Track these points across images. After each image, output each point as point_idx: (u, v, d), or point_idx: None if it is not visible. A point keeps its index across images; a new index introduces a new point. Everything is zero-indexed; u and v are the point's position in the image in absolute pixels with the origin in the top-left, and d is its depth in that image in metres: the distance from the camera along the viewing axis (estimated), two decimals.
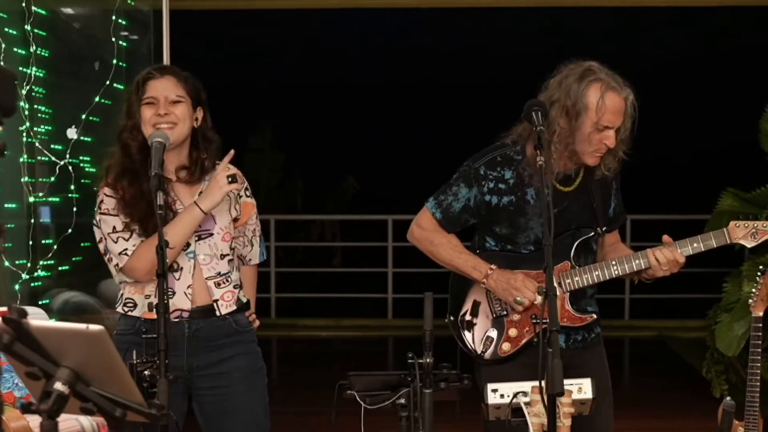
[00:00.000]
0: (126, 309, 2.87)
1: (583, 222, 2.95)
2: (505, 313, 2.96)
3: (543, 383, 2.32)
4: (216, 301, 2.86)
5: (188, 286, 2.83)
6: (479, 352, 2.97)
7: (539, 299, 2.87)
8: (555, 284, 2.85)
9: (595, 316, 2.98)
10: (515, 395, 2.52)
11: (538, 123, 2.64)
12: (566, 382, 2.30)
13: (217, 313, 2.86)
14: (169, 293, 2.76)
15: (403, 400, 2.46)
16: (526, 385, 2.53)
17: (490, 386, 2.56)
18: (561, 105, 2.82)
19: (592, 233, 2.94)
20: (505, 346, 2.95)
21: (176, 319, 2.80)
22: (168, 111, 2.79)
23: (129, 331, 2.82)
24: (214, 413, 2.90)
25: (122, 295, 2.91)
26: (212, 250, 2.86)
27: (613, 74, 2.85)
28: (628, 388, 6.66)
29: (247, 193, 3.01)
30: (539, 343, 2.41)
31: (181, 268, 2.83)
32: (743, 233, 2.86)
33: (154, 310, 2.48)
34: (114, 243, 2.81)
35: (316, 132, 16.22)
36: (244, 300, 2.97)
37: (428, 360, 2.43)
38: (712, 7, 8.72)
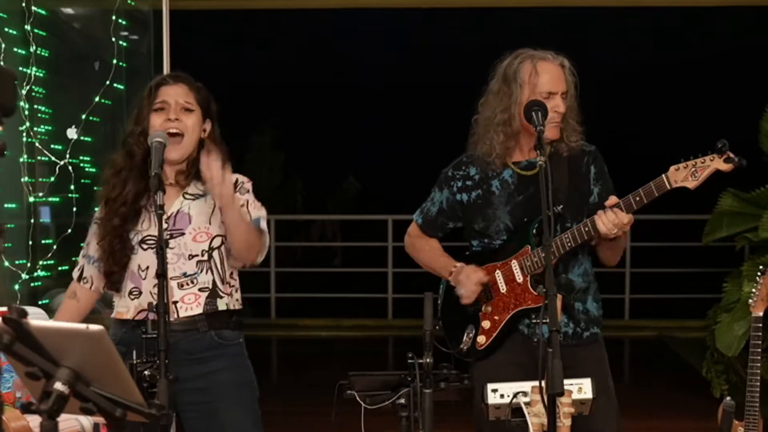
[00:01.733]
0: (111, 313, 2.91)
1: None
2: (479, 308, 3.00)
3: (543, 383, 2.32)
4: (175, 302, 2.77)
5: (154, 286, 2.73)
6: (460, 347, 2.98)
7: (504, 288, 2.95)
8: (518, 268, 2.93)
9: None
10: (515, 395, 2.52)
11: (538, 123, 2.66)
12: (566, 382, 2.31)
13: (175, 315, 2.74)
14: (135, 293, 2.80)
15: (403, 400, 2.47)
16: (526, 385, 2.53)
17: (490, 386, 2.56)
18: (498, 91, 2.93)
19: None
20: (480, 339, 2.98)
21: (146, 320, 2.68)
22: (178, 116, 2.79)
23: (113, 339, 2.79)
24: (201, 428, 2.83)
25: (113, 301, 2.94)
26: (180, 250, 2.79)
27: (544, 50, 2.93)
28: (628, 388, 6.66)
29: (240, 192, 2.92)
30: (539, 342, 2.41)
31: (147, 267, 2.79)
32: (684, 175, 2.75)
33: (155, 310, 2.46)
34: (82, 257, 2.92)
35: (316, 132, 16.23)
36: (224, 308, 2.84)
37: (428, 360, 2.43)
38: (713, 7, 8.72)
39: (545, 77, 2.86)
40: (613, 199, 2.82)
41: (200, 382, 2.78)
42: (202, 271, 2.81)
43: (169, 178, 2.82)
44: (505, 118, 2.90)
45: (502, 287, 2.96)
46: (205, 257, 2.82)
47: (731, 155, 2.71)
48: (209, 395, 2.80)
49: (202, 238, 2.82)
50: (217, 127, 2.92)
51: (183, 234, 2.80)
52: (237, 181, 2.89)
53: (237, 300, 2.90)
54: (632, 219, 2.80)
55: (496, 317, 2.97)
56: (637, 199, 2.78)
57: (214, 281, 2.82)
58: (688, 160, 2.76)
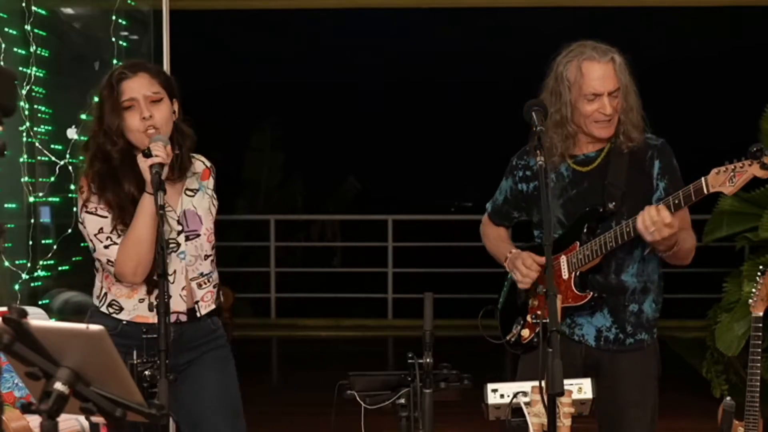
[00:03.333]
0: (111, 311, 2.81)
1: (596, 201, 2.91)
2: (527, 299, 3.00)
3: (543, 383, 2.32)
4: (197, 302, 2.85)
5: (182, 288, 2.81)
6: (507, 338, 3.02)
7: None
8: (565, 264, 2.91)
9: (593, 293, 2.88)
10: (515, 395, 2.52)
11: (538, 123, 2.65)
12: (566, 382, 2.30)
13: (198, 315, 2.84)
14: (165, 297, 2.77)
15: (403, 400, 2.46)
16: (526, 385, 2.53)
17: (490, 386, 2.57)
18: (551, 89, 2.91)
19: (601, 210, 2.89)
20: (524, 332, 2.99)
21: (174, 322, 2.75)
22: (150, 112, 2.72)
23: (111, 332, 2.75)
24: (186, 397, 2.85)
25: (105, 294, 2.83)
26: (197, 251, 2.84)
27: (597, 45, 2.88)
28: None
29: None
30: (539, 343, 2.41)
31: (174, 271, 2.80)
32: (722, 179, 2.68)
33: (155, 310, 2.46)
34: (105, 248, 2.75)
35: (316, 132, 16.23)
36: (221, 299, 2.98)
37: (428, 360, 2.43)
38: (712, 7, 8.72)
39: (590, 78, 2.83)
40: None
41: (192, 363, 2.88)
42: (214, 269, 2.91)
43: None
44: (557, 119, 2.88)
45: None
46: (214, 256, 2.91)
47: (767, 161, 2.63)
48: (198, 370, 2.88)
49: (212, 237, 2.89)
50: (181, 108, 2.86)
51: (198, 235, 2.84)
52: (214, 171, 2.94)
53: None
54: (675, 222, 2.71)
55: (539, 312, 2.95)
56: (676, 202, 2.73)
57: (217, 276, 2.95)
58: (730, 162, 2.69)
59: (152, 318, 2.62)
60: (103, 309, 2.83)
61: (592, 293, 2.88)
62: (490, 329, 3.11)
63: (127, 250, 2.70)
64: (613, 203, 2.86)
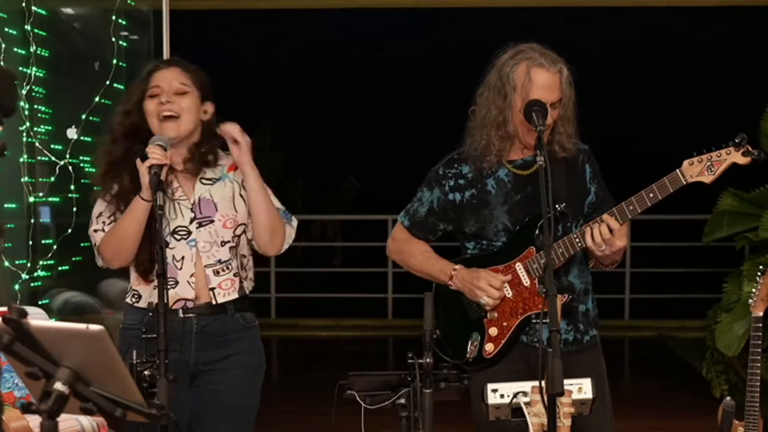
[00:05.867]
0: (133, 300, 2.86)
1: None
2: (483, 313, 2.91)
3: (543, 383, 2.32)
4: (212, 289, 2.82)
5: (191, 275, 2.80)
6: (467, 357, 2.86)
7: (510, 292, 2.87)
8: (523, 271, 2.86)
9: (567, 297, 2.84)
10: (515, 395, 2.51)
11: (538, 123, 2.64)
12: (566, 382, 2.30)
13: (213, 302, 2.81)
14: (172, 283, 2.77)
15: (403, 400, 2.46)
16: (526, 385, 2.52)
17: (490, 386, 2.55)
18: (494, 86, 2.84)
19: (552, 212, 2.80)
20: (488, 347, 2.90)
21: (179, 308, 2.78)
22: (171, 99, 2.77)
23: (136, 325, 2.75)
24: (204, 405, 2.86)
25: (131, 285, 2.90)
26: (212, 237, 2.82)
27: (546, 52, 2.83)
28: (628, 388, 6.66)
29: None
30: (539, 343, 2.40)
31: (183, 257, 2.80)
32: (699, 169, 2.67)
33: (155, 310, 2.47)
34: (94, 231, 2.83)
35: (316, 132, 16.23)
36: (248, 292, 2.92)
37: (428, 360, 2.43)
38: (713, 7, 8.72)
39: (537, 85, 2.77)
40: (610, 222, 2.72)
41: (222, 363, 2.85)
42: (234, 256, 2.87)
43: (179, 165, 2.83)
44: (500, 120, 2.83)
45: (508, 292, 2.87)
46: (235, 243, 2.87)
47: (750, 149, 2.66)
48: (226, 376, 2.85)
49: (231, 224, 2.85)
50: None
51: (212, 221, 2.82)
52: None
53: (252, 284, 2.98)
54: (624, 231, 2.72)
55: (504, 323, 2.88)
56: (651, 195, 2.71)
57: (239, 266, 2.90)
58: (702, 153, 2.69)
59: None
60: (128, 299, 2.89)
61: (566, 296, 2.83)
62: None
63: (110, 242, 2.77)
64: (563, 204, 2.82)
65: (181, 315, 2.79)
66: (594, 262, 2.94)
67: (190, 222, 2.82)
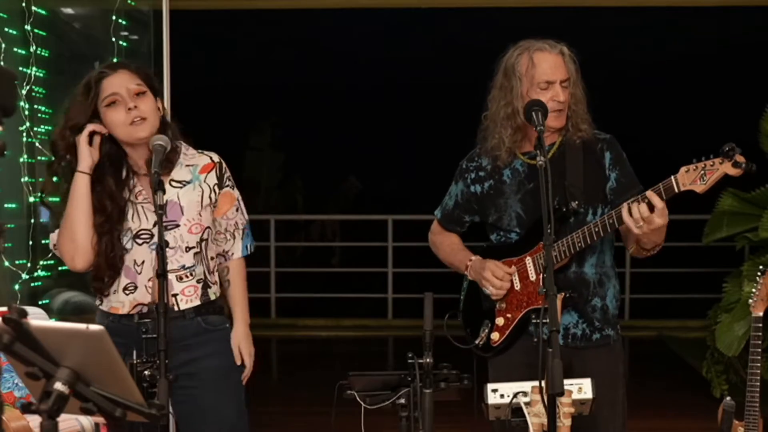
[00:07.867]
0: (98, 303, 2.84)
1: (555, 194, 2.81)
2: (495, 303, 2.98)
3: (543, 383, 2.32)
4: (175, 295, 2.74)
5: (149, 279, 2.73)
6: (477, 342, 2.98)
7: (518, 285, 2.92)
8: (531, 266, 2.90)
9: (565, 293, 2.84)
10: (515, 395, 2.52)
11: (538, 123, 2.65)
12: (566, 382, 2.30)
13: (176, 308, 2.73)
14: (131, 288, 2.74)
15: (403, 400, 2.46)
16: (526, 385, 2.52)
17: (490, 386, 2.56)
18: (501, 85, 2.90)
19: (565, 209, 2.84)
20: (494, 336, 2.97)
21: (134, 314, 2.72)
22: (135, 104, 2.68)
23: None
24: (185, 413, 2.83)
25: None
26: (176, 242, 2.74)
27: (545, 39, 2.89)
28: (628, 388, 6.65)
29: (229, 183, 2.89)
30: (539, 342, 2.40)
31: (143, 262, 2.74)
32: (692, 177, 2.67)
33: (154, 310, 2.45)
34: (52, 233, 2.84)
35: (316, 132, 16.21)
36: (213, 297, 2.84)
37: (428, 360, 2.43)
38: (713, 7, 8.72)
39: (542, 67, 2.83)
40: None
41: (187, 367, 2.76)
42: (198, 262, 2.79)
43: (142, 169, 2.76)
44: (509, 112, 2.88)
45: (517, 284, 2.93)
46: (199, 249, 2.80)
47: (739, 160, 2.62)
48: (196, 380, 2.79)
49: (197, 229, 2.78)
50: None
51: (178, 226, 2.75)
52: (222, 167, 2.88)
53: (218, 288, 2.91)
54: (665, 210, 2.70)
55: (509, 315, 2.95)
56: (657, 192, 2.71)
57: (204, 272, 2.82)
58: (699, 161, 2.67)
59: (121, 309, 2.72)
60: (96, 301, 2.85)
61: (564, 293, 2.84)
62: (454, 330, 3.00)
63: (63, 235, 2.74)
64: (576, 202, 2.83)
65: (135, 320, 2.71)
66: (635, 248, 2.89)
67: (153, 225, 2.72)
